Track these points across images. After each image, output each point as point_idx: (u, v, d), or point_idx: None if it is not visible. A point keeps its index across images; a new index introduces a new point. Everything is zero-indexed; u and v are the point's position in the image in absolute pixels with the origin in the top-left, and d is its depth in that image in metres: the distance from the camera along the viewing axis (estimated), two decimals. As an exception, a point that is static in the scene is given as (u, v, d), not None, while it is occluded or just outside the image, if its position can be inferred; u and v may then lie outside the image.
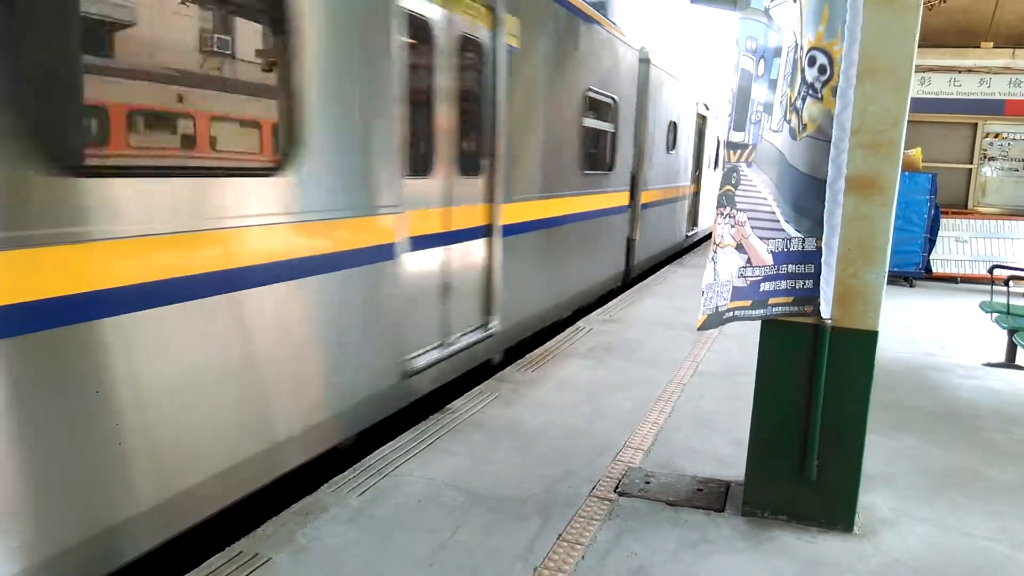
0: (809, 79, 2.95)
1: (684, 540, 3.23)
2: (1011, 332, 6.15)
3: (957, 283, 11.20)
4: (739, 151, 3.00)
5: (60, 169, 2.43)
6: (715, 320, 3.09)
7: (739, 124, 2.99)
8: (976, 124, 11.54)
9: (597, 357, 6.20)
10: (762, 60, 2.95)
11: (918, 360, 6.53)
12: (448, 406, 4.82)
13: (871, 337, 3.18)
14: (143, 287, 2.75)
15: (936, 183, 10.33)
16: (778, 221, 3.08)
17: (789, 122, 3.02)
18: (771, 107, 3.02)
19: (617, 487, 3.71)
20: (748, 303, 3.12)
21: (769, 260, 3.10)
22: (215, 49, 3.25)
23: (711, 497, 3.62)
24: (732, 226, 3.01)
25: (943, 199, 10.92)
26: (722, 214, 2.99)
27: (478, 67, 5.28)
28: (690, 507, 3.52)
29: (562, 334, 7.00)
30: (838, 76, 2.88)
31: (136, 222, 2.70)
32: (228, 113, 3.43)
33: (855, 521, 3.36)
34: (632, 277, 10.55)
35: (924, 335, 7.54)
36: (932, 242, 10.69)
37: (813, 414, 3.27)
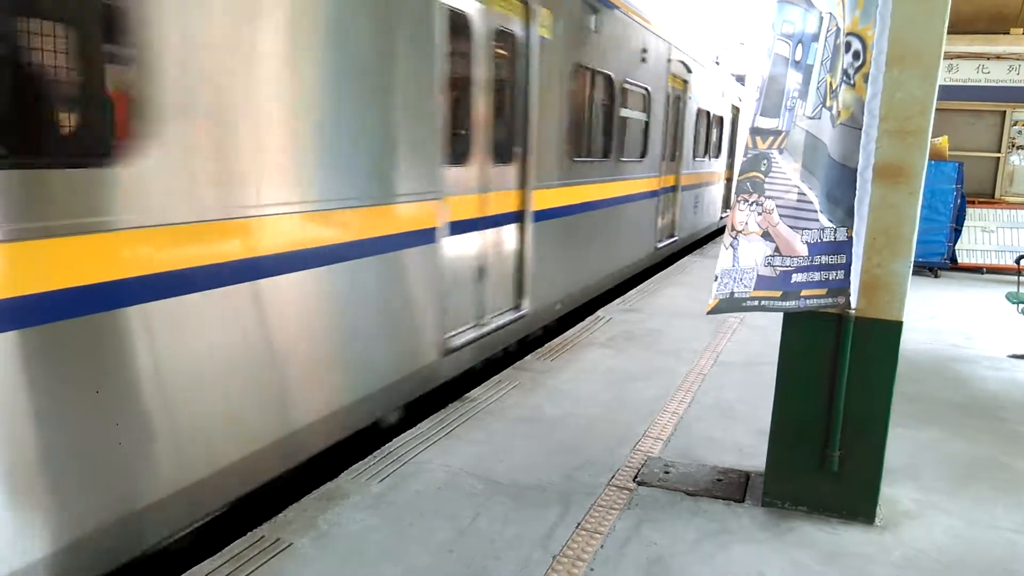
0: (844, 65, 2.89)
1: (704, 530, 3.22)
2: (1039, 323, 6.05)
3: (983, 273, 11.02)
4: (770, 138, 2.95)
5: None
6: (729, 305, 3.05)
7: (770, 110, 2.93)
8: (1004, 112, 11.31)
9: (617, 346, 6.18)
10: (799, 45, 2.89)
11: (943, 351, 6.45)
12: (467, 395, 4.83)
13: (896, 327, 3.14)
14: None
15: (962, 172, 10.15)
16: (815, 211, 3.00)
17: (830, 109, 2.95)
18: (806, 93, 2.96)
19: (637, 476, 3.71)
20: (778, 293, 3.04)
21: (804, 251, 3.01)
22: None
23: (731, 487, 3.61)
24: (760, 213, 2.97)
25: (969, 188, 10.73)
26: (746, 200, 2.96)
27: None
28: (710, 497, 3.51)
29: (582, 323, 7.00)
30: (870, 62, 2.82)
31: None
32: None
33: (877, 513, 3.33)
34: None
35: (949, 326, 7.43)
36: (958, 232, 10.52)
37: (836, 405, 3.24)
